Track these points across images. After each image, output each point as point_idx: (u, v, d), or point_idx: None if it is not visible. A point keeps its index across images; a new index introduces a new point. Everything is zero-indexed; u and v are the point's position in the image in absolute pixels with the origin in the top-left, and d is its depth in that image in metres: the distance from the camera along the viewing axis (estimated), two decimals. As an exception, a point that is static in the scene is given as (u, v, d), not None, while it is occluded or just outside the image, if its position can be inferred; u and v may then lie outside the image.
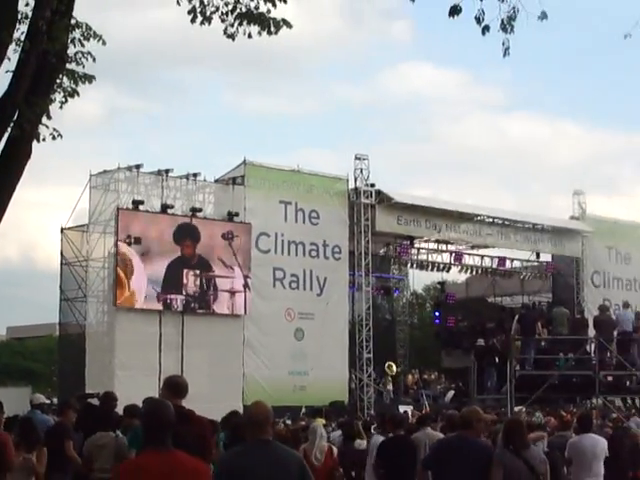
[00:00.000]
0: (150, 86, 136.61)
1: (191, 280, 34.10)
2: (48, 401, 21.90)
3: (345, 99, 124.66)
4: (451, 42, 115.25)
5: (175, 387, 11.07)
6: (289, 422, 24.94)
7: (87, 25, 11.70)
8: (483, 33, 9.35)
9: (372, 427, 21.57)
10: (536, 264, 47.52)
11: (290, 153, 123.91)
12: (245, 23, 11.25)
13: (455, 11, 9.20)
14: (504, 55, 9.57)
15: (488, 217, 43.22)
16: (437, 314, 50.60)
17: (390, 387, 42.76)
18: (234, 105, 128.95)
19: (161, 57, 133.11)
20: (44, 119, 11.19)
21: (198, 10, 11.13)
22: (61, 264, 35.57)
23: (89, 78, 11.94)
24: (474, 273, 47.53)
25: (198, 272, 34.25)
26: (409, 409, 32.58)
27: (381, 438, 17.26)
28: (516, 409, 25.90)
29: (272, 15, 11.26)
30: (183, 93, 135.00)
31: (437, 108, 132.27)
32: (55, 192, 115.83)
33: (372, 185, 39.06)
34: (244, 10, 11.19)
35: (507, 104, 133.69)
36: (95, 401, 18.93)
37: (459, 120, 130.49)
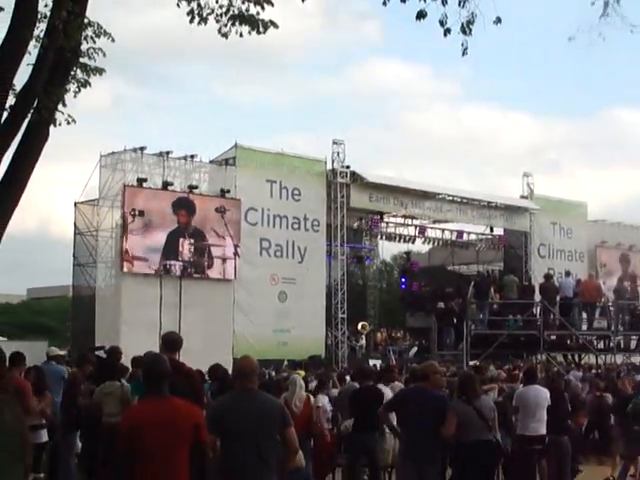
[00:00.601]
0: (151, 78, 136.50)
1: (187, 248, 34.07)
2: (62, 353, 21.92)
3: (323, 90, 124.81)
4: (416, 41, 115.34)
5: (170, 343, 11.17)
6: (273, 373, 24.96)
7: (98, 24, 11.69)
8: (445, 35, 9.35)
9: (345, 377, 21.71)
10: (490, 237, 47.58)
11: (275, 138, 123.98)
12: (237, 24, 11.23)
13: (421, 15, 9.19)
14: (463, 54, 9.57)
15: (448, 196, 43.24)
16: (403, 280, 50.52)
17: (362, 343, 42.96)
18: (225, 95, 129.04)
19: (161, 52, 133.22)
20: (60, 106, 11.19)
21: (196, 12, 11.11)
22: (74, 234, 35.49)
23: (100, 71, 11.95)
24: (435, 244, 47.52)
25: (193, 241, 34.23)
26: (378, 363, 32.65)
27: (352, 387, 17.37)
28: (471, 363, 26.02)
29: (261, 17, 11.25)
30: (180, 84, 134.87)
31: (403, 99, 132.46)
32: (68, 170, 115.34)
33: (347, 167, 39.05)
34: (236, 12, 11.17)
35: (465, 96, 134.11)
36: (102, 354, 18.98)
37: (423, 110, 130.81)
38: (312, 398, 16.79)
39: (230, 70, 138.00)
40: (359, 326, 43.68)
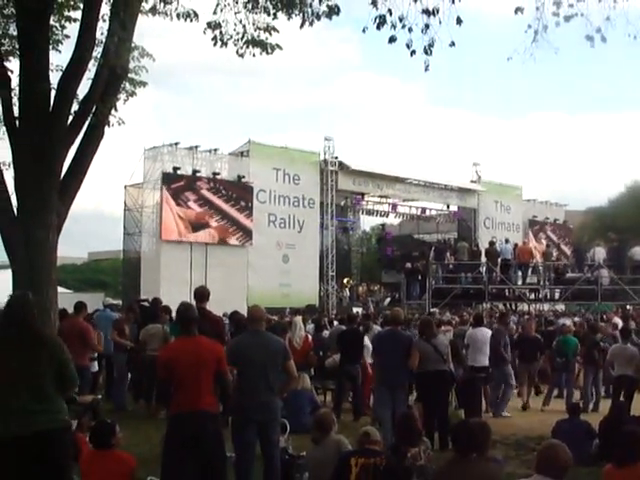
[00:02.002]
0: (181, 87, 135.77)
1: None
2: (115, 302, 21.96)
3: (313, 97, 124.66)
4: (386, 59, 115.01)
5: (201, 295, 11.26)
6: (276, 318, 24.98)
7: (142, 47, 11.67)
8: (411, 55, 9.32)
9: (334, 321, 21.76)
10: (446, 212, 47.64)
11: (276, 135, 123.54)
12: (251, 46, 11.20)
13: (392, 39, 9.16)
14: (425, 70, 9.54)
15: (415, 180, 43.21)
16: (379, 246, 50.72)
17: (347, 294, 43.05)
18: (236, 101, 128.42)
19: (186, 68, 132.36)
20: (112, 111, 11.20)
21: (218, 38, 11.06)
22: (124, 210, 35.49)
23: (143, 84, 11.95)
24: (404, 218, 47.65)
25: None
26: (359, 310, 32.73)
27: (340, 329, 17.44)
28: (432, 310, 26.08)
29: (269, 40, 11.24)
30: (201, 92, 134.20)
31: (377, 104, 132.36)
32: (118, 160, 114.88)
33: (336, 157, 39.07)
34: (250, 38, 11.14)
35: (426, 101, 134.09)
36: (146, 304, 19.06)
37: (394, 112, 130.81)
38: (309, 337, 16.89)
39: (234, 80, 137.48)
40: (344, 281, 43.75)
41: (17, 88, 10.51)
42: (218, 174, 34.90)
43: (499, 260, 31.61)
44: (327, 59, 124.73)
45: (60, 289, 13.30)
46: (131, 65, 11.41)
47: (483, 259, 32.25)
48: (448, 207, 46.62)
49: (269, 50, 11.28)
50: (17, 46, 10.72)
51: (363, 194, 42.93)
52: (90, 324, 15.31)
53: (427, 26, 9.07)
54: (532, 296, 32.48)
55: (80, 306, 14.60)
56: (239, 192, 35.29)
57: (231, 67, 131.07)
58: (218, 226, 34.46)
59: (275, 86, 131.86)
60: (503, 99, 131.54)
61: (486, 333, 16.38)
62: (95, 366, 16.33)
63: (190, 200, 33.70)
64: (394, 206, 44.53)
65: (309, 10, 10.61)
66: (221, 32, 11.07)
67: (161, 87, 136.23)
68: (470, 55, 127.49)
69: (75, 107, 10.64)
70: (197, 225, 33.72)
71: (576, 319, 28.14)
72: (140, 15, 10.91)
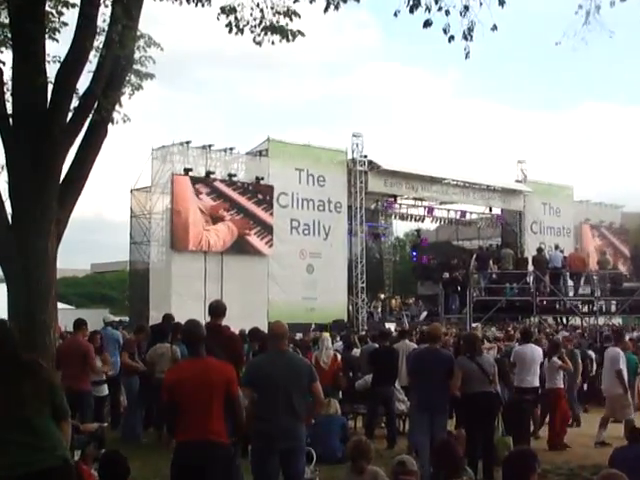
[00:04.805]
0: (190, 81, 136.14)
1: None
2: (117, 319, 21.99)
3: (332, 90, 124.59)
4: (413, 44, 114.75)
5: (215, 310, 11.20)
6: (300, 335, 24.92)
7: (149, 36, 11.68)
8: (449, 41, 9.25)
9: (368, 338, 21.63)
10: (489, 216, 47.39)
11: (299, 131, 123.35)
12: (269, 33, 11.17)
13: (428, 24, 9.10)
14: (466, 58, 9.47)
15: (453, 180, 43.02)
16: (414, 254, 50.52)
17: (379, 309, 42.92)
18: (249, 94, 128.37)
19: (197, 60, 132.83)
20: (117, 107, 11.20)
21: (233, 24, 11.05)
22: (130, 217, 35.62)
23: (150, 76, 11.95)
24: (442, 223, 47.36)
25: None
26: (392, 326, 32.63)
27: (372, 347, 17.38)
28: (473, 326, 25.95)
29: (289, 27, 11.20)
30: (211, 86, 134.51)
31: (404, 96, 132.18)
32: (123, 162, 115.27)
33: (365, 156, 38.98)
34: (268, 24, 11.11)
35: (459, 93, 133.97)
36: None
37: (425, 104, 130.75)
38: (338, 356, 16.86)
39: (249, 73, 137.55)
40: (376, 294, 43.66)
41: (10, 82, 10.53)
42: (234, 175, 34.90)
43: (548, 269, 31.43)
44: (346, 47, 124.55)
45: (60, 305, 13.32)
46: (136, 55, 11.43)
47: (530, 268, 32.07)
48: (490, 210, 46.32)
49: (289, 37, 11.24)
50: (9, 35, 10.75)
51: (396, 196, 42.70)
52: (99, 344, 15.41)
53: (466, 8, 9.03)
54: (585, 309, 32.25)
55: (80, 323, 14.62)
56: (258, 191, 35.36)
57: (245, 59, 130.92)
58: (235, 220, 34.41)
59: (293, 79, 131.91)
60: (550, 89, 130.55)
61: (536, 350, 16.27)
62: (105, 390, 16.34)
63: (202, 193, 33.67)
64: (430, 210, 44.36)
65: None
66: (236, 17, 11.07)
67: (170, 81, 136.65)
68: (510, 40, 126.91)
69: (75, 103, 10.66)
70: (215, 218, 33.73)
71: (635, 334, 27.92)
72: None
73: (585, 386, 21.02)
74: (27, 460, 6.32)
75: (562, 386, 16.40)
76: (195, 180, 33.25)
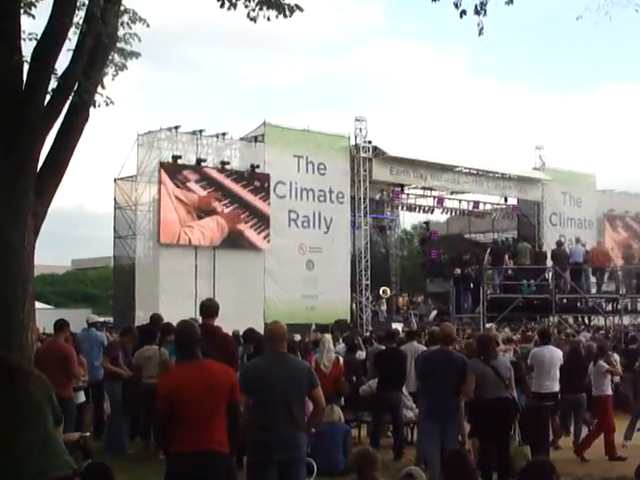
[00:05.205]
0: (178, 61, 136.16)
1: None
2: (101, 320, 21.99)
3: (333, 70, 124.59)
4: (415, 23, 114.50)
5: (208, 309, 11.21)
6: (298, 337, 24.96)
7: (134, 11, 11.63)
8: (461, 16, 9.22)
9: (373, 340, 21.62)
10: (504, 207, 47.43)
11: (297, 115, 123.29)
12: (265, 8, 11.14)
13: (437, -3, 9.10)
14: (479, 34, 9.42)
15: (465, 168, 43.04)
16: (423, 248, 50.64)
17: (384, 308, 42.93)
18: (244, 76, 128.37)
19: (179, 36, 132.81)
20: (99, 89, 11.17)
21: (226, -2, 11.02)
22: (114, 208, 35.62)
23: (135, 55, 11.89)
24: (453, 214, 47.39)
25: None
26: (400, 326, 32.65)
27: (378, 349, 17.38)
28: (487, 326, 25.96)
29: (286, 1, 11.17)
30: (200, 66, 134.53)
31: (411, 77, 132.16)
32: (106, 149, 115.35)
33: (369, 142, 39.00)
34: (264, -3, 11.09)
35: (470, 74, 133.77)
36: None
37: (433, 86, 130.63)
38: (340, 359, 16.85)
39: (248, 54, 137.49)
40: (381, 291, 43.62)
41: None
42: (227, 163, 34.94)
43: (568, 264, 31.43)
44: (347, 24, 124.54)
45: (38, 304, 13.32)
46: (120, 32, 11.37)
47: (549, 263, 32.09)
48: (506, 200, 46.37)
49: (287, 12, 11.20)
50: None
51: (403, 186, 42.77)
52: (72, 346, 15.33)
53: (480, -21, 9.01)
54: (609, 307, 32.27)
55: (62, 325, 14.59)
56: (254, 178, 35.36)
57: (239, 37, 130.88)
58: (227, 213, 34.44)
59: (290, 59, 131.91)
60: (570, 69, 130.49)
61: (556, 353, 16.28)
62: (81, 397, 16.32)
63: (191, 181, 33.70)
64: (440, 200, 44.39)
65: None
66: (229, -11, 11.02)
67: (157, 60, 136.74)
68: (527, 15, 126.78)
69: (53, 84, 10.62)
70: (202, 212, 33.75)
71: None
72: (131, -29, 10.90)
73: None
74: (45, 467, 6.31)
75: (610, 393, 16.34)
76: (183, 168, 33.24)
